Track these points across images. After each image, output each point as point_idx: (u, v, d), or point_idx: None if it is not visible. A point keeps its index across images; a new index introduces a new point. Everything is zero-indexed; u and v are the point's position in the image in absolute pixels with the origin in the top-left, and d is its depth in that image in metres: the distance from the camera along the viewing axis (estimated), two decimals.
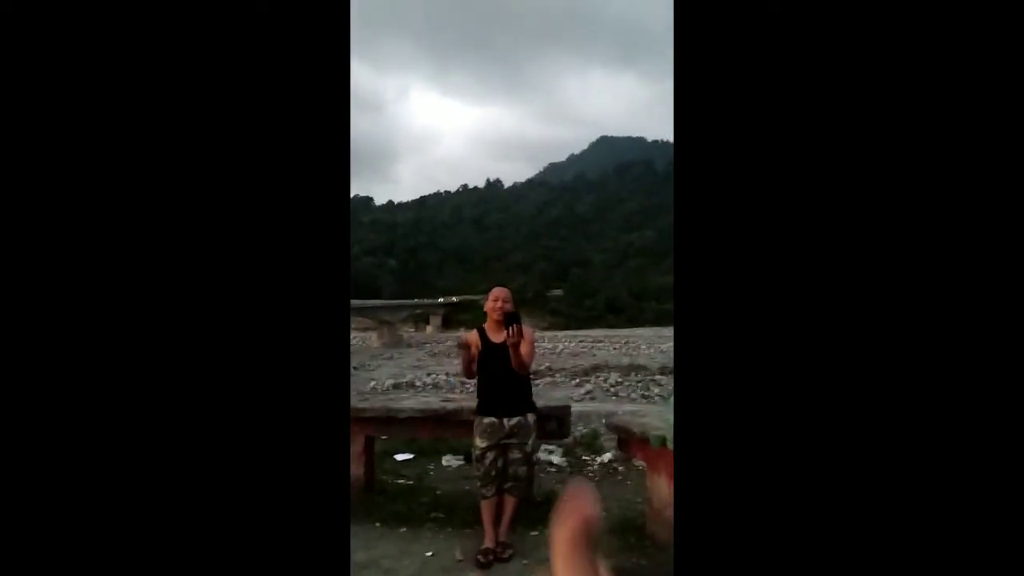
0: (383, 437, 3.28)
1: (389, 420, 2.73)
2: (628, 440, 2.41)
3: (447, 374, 14.05)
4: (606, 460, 3.48)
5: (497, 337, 2.18)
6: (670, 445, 2.14)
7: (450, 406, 2.69)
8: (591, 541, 0.26)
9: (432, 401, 2.95)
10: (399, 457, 3.57)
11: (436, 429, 2.69)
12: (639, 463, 2.83)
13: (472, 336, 2.25)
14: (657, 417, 2.49)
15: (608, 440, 3.54)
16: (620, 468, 3.37)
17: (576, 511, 0.26)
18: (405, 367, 17.53)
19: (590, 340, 26.31)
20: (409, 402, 2.95)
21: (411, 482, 3.09)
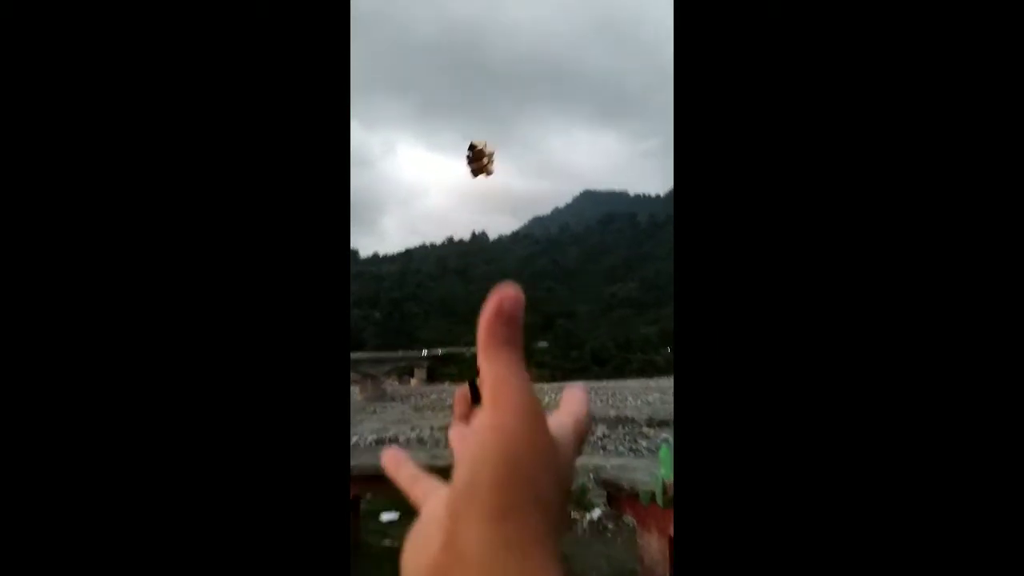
0: (368, 496, 3.19)
1: (375, 479, 2.67)
2: (617, 496, 2.38)
3: (432, 428, 13.77)
4: (595, 517, 3.42)
5: None
6: (659, 501, 2.12)
7: (439, 463, 2.66)
8: (514, 332, 0.25)
9: (420, 459, 2.91)
10: (384, 517, 3.48)
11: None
12: (629, 519, 2.78)
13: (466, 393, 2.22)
14: (646, 472, 2.47)
15: (597, 496, 3.49)
16: (610, 526, 3.30)
17: (495, 305, 0.25)
18: (389, 422, 17.16)
19: None
20: None
21: (398, 543, 3.00)
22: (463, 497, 0.24)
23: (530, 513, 0.23)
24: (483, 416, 0.25)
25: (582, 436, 0.30)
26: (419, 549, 0.25)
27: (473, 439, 0.25)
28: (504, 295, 0.25)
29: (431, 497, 0.28)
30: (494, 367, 0.25)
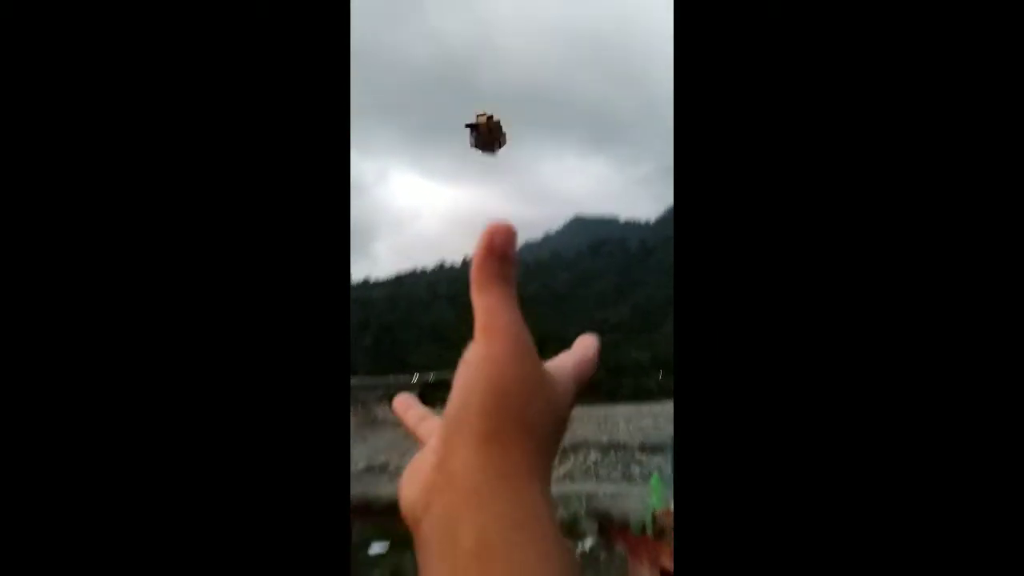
0: (356, 525, 3.13)
1: (365, 509, 2.63)
2: (609, 526, 2.36)
3: None
4: (587, 548, 3.37)
5: None
6: (649, 531, 2.10)
7: None
8: (505, 267, 0.26)
9: None
10: (374, 549, 3.41)
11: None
12: (621, 549, 2.74)
13: None
14: (638, 499, 2.44)
15: (591, 523, 3.45)
16: (602, 556, 3.26)
17: (486, 240, 0.25)
18: (379, 448, 16.94)
19: None
20: (388, 488, 2.86)
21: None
22: (454, 423, 0.24)
23: (517, 439, 0.24)
24: (474, 347, 0.26)
25: (584, 376, 0.30)
26: (415, 472, 0.27)
27: (464, 369, 0.25)
28: (495, 230, 0.25)
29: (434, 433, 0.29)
30: (485, 300, 0.26)
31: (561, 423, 0.27)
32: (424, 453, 0.27)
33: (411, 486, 0.26)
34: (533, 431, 0.25)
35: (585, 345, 0.33)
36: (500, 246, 0.26)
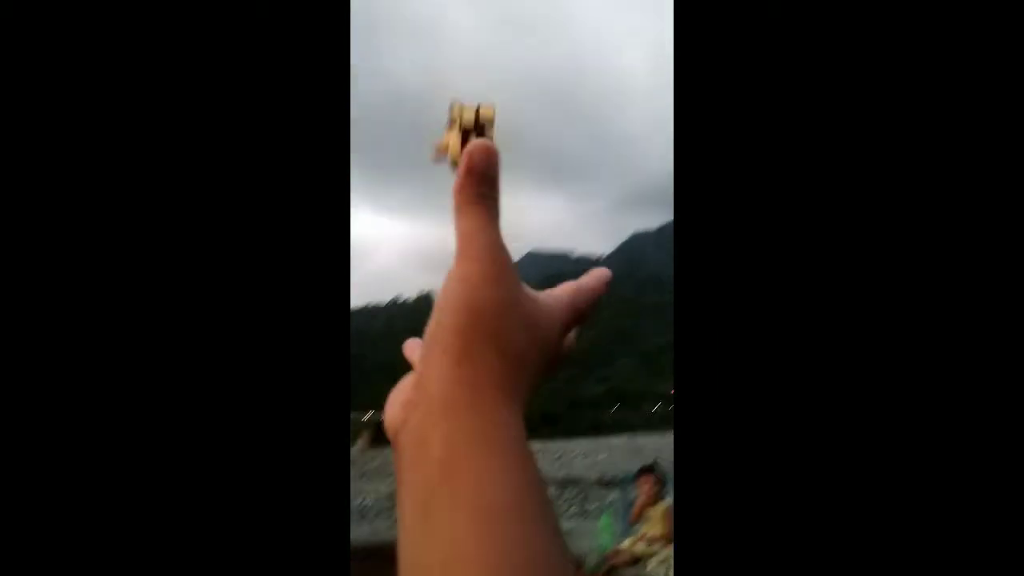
0: None
1: None
2: None
3: (377, 496, 13.10)
4: None
5: None
6: (600, 572, 2.11)
7: (379, 538, 2.55)
8: (485, 188, 0.26)
9: (361, 533, 2.78)
10: None
11: (365, 568, 2.51)
12: None
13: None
14: (591, 538, 2.45)
15: None
16: None
17: (465, 162, 0.26)
18: None
19: None
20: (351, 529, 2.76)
21: None
22: (430, 341, 0.25)
23: (489, 357, 0.25)
24: (452, 268, 0.26)
25: (581, 302, 0.30)
26: (398, 393, 0.28)
27: (442, 290, 0.26)
28: (475, 149, 0.26)
29: None
30: (462, 222, 0.26)
31: (546, 345, 0.28)
32: (409, 375, 0.28)
33: (393, 405, 0.28)
34: (506, 351, 0.25)
35: (593, 274, 0.32)
36: (480, 165, 0.25)
